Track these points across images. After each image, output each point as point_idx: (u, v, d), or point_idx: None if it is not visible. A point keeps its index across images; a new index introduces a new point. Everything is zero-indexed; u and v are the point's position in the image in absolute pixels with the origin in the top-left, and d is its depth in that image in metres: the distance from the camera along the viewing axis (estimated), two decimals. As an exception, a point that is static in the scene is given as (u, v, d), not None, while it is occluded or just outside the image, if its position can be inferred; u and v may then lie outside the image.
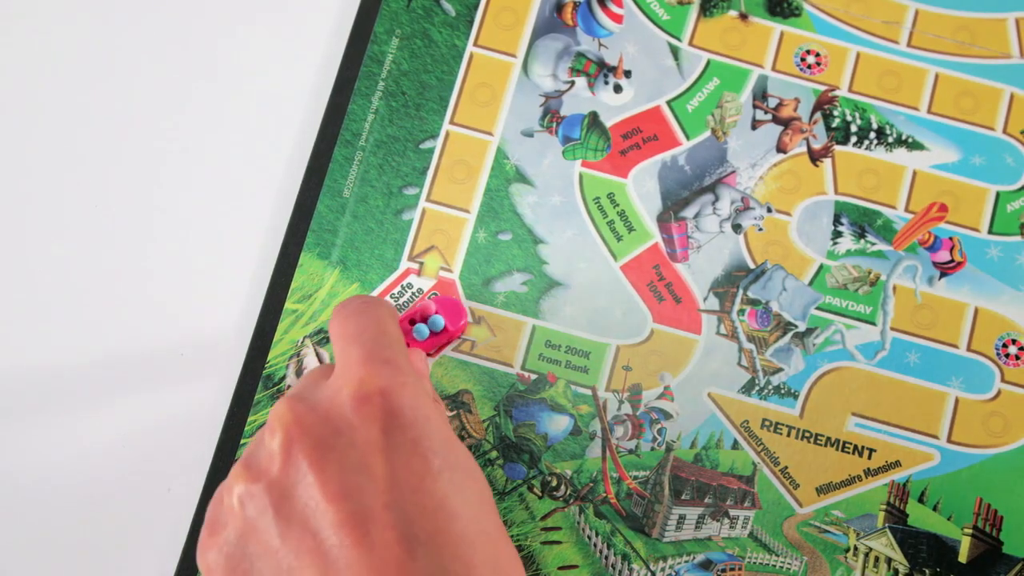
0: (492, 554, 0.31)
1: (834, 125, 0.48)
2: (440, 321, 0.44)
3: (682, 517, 0.45)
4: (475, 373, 0.46)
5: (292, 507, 0.31)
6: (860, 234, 0.47)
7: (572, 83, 0.48)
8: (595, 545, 0.45)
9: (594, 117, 0.48)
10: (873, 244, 0.47)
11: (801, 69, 0.48)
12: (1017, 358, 0.46)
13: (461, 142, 0.48)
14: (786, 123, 0.48)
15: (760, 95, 0.48)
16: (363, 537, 0.30)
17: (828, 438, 0.45)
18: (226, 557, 0.33)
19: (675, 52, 0.48)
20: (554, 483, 0.45)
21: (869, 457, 0.45)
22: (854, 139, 0.48)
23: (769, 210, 0.47)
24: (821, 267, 0.47)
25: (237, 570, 0.32)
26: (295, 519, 0.31)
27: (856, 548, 0.45)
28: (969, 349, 0.46)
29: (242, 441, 0.46)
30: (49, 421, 0.47)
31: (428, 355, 0.45)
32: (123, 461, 0.46)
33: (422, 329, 0.44)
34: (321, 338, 0.46)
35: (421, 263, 0.47)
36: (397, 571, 0.30)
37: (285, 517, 0.31)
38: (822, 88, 0.48)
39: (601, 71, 0.48)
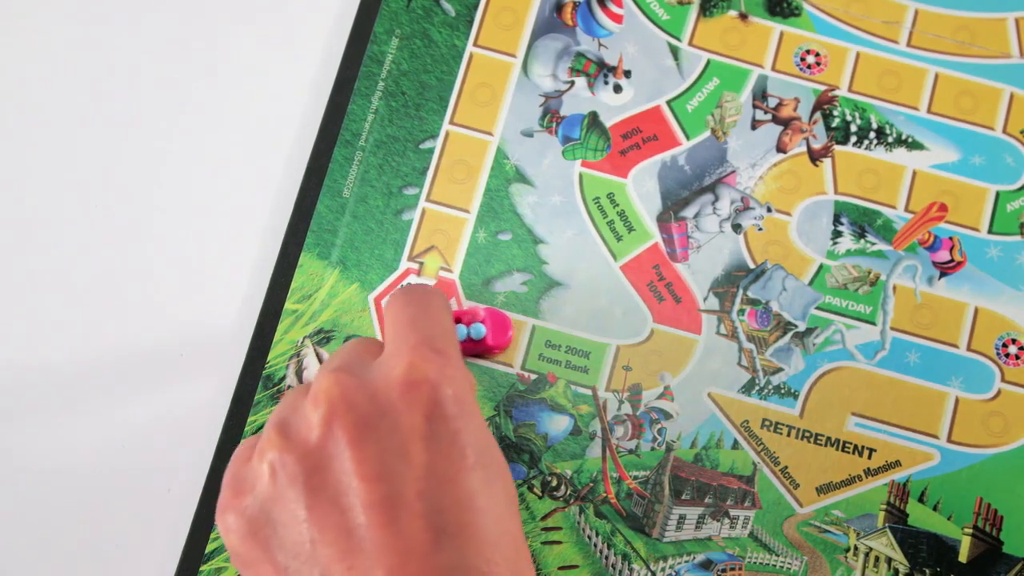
0: (513, 556, 0.31)
1: (834, 125, 0.48)
2: (482, 330, 0.44)
3: (682, 517, 0.45)
4: (475, 373, 0.46)
5: (324, 481, 0.31)
6: (860, 234, 0.47)
7: (572, 83, 0.48)
8: (595, 545, 0.45)
9: (594, 117, 0.48)
10: (873, 244, 0.47)
11: (801, 69, 0.48)
12: (1017, 358, 0.46)
13: (461, 142, 0.48)
14: (786, 123, 0.48)
15: (760, 95, 0.48)
16: (392, 521, 0.30)
17: (828, 438, 0.45)
18: (247, 520, 0.32)
19: (675, 52, 0.48)
20: (554, 483, 0.45)
21: (869, 457, 0.45)
22: (854, 139, 0.48)
23: (769, 210, 0.47)
24: (821, 267, 0.47)
25: (258, 535, 0.32)
26: (326, 493, 0.31)
27: (856, 548, 0.45)
28: (969, 349, 0.46)
29: (242, 442, 0.46)
30: (49, 421, 0.47)
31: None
32: (123, 461, 0.46)
33: (461, 329, 0.44)
34: (321, 338, 0.46)
35: (421, 263, 0.47)
36: (421, 559, 0.29)
37: (316, 489, 0.31)
38: (822, 88, 0.48)
39: (601, 71, 0.48)
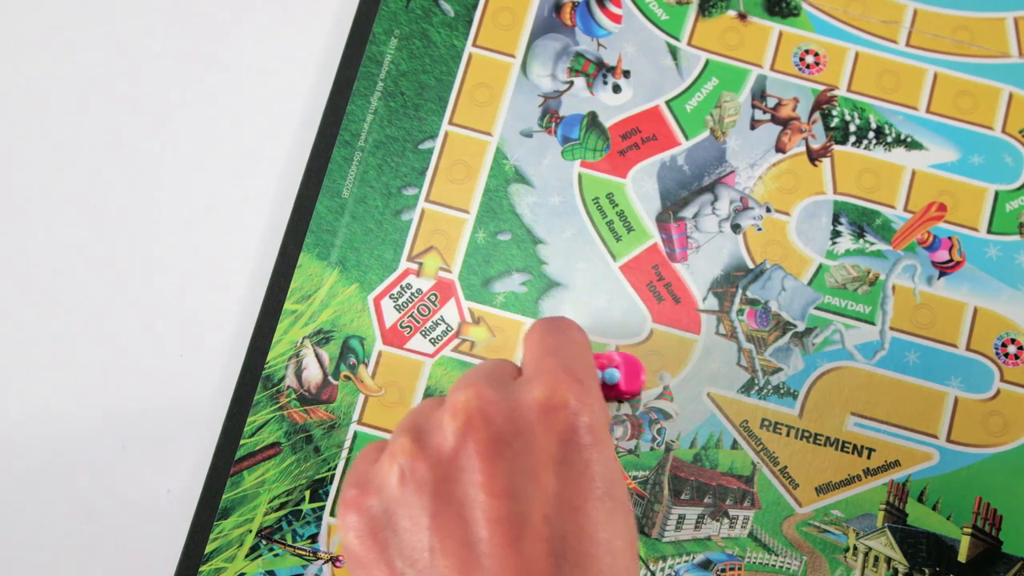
0: None
1: (833, 125, 0.48)
2: (615, 375, 0.44)
3: (682, 517, 0.45)
4: (474, 373, 0.46)
5: (452, 491, 0.31)
6: (859, 234, 0.47)
7: (571, 83, 0.48)
8: (595, 545, 0.45)
9: (593, 117, 0.48)
10: (872, 244, 0.47)
11: (800, 69, 0.48)
12: (1016, 357, 0.46)
13: (460, 142, 0.48)
14: (785, 123, 0.48)
15: (759, 95, 0.48)
16: (515, 541, 0.30)
17: (827, 438, 0.45)
18: (369, 520, 0.32)
19: (674, 52, 0.48)
20: (554, 483, 0.45)
21: (868, 457, 0.45)
22: (853, 139, 0.48)
23: (768, 210, 0.47)
24: (820, 267, 0.47)
25: (377, 536, 0.32)
26: (452, 504, 0.31)
27: (855, 548, 0.45)
28: (968, 348, 0.46)
29: (242, 442, 0.46)
30: (48, 421, 0.47)
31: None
32: (123, 462, 0.46)
33: (613, 374, 0.43)
34: (320, 339, 0.46)
35: (420, 263, 0.47)
36: None
37: (442, 499, 0.31)
38: (821, 88, 0.48)
39: (600, 71, 0.48)
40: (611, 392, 0.43)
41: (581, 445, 0.32)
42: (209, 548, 0.45)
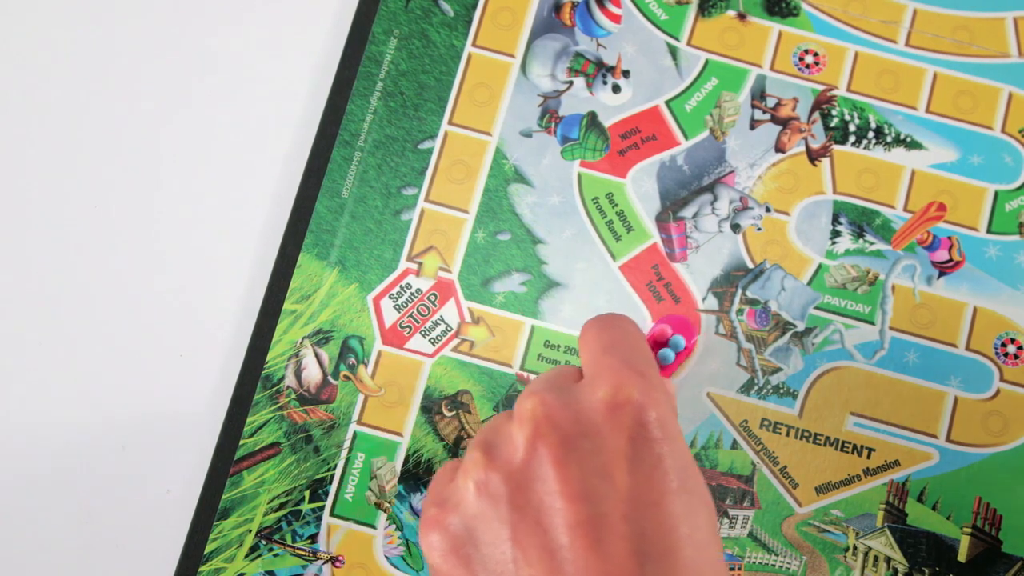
0: None
1: (832, 125, 0.48)
2: (681, 341, 0.44)
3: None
4: (474, 373, 0.46)
5: (527, 500, 0.31)
6: (859, 233, 0.47)
7: (570, 83, 0.48)
8: (594, 545, 0.45)
9: (592, 117, 0.48)
10: (872, 243, 0.47)
11: (799, 69, 0.48)
12: (1016, 357, 0.46)
13: (460, 142, 0.48)
14: (784, 123, 0.48)
15: (758, 95, 0.48)
16: (596, 543, 0.30)
17: (827, 437, 0.45)
18: (451, 538, 0.32)
19: (673, 52, 0.48)
20: (553, 483, 0.45)
21: (868, 456, 0.45)
22: (852, 139, 0.48)
23: (768, 210, 0.47)
24: (820, 267, 0.47)
25: (459, 553, 0.32)
26: (528, 513, 0.31)
27: (855, 547, 0.45)
28: (968, 348, 0.46)
29: (241, 442, 0.46)
30: (48, 421, 0.47)
31: (671, 377, 0.45)
32: (123, 462, 0.46)
33: (667, 354, 0.43)
34: (319, 339, 0.46)
35: (420, 263, 0.47)
36: None
37: (519, 509, 0.31)
38: (820, 88, 0.48)
39: (599, 71, 0.48)
40: (682, 357, 0.43)
41: (651, 440, 0.32)
42: (209, 548, 0.45)
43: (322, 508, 0.45)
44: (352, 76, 0.48)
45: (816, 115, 0.48)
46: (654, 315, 0.46)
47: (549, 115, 0.48)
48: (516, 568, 0.31)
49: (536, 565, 0.30)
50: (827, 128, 0.48)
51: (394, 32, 0.48)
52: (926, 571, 0.44)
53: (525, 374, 0.46)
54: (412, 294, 0.47)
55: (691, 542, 0.31)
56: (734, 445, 0.45)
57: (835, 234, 0.47)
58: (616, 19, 0.49)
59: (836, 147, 0.48)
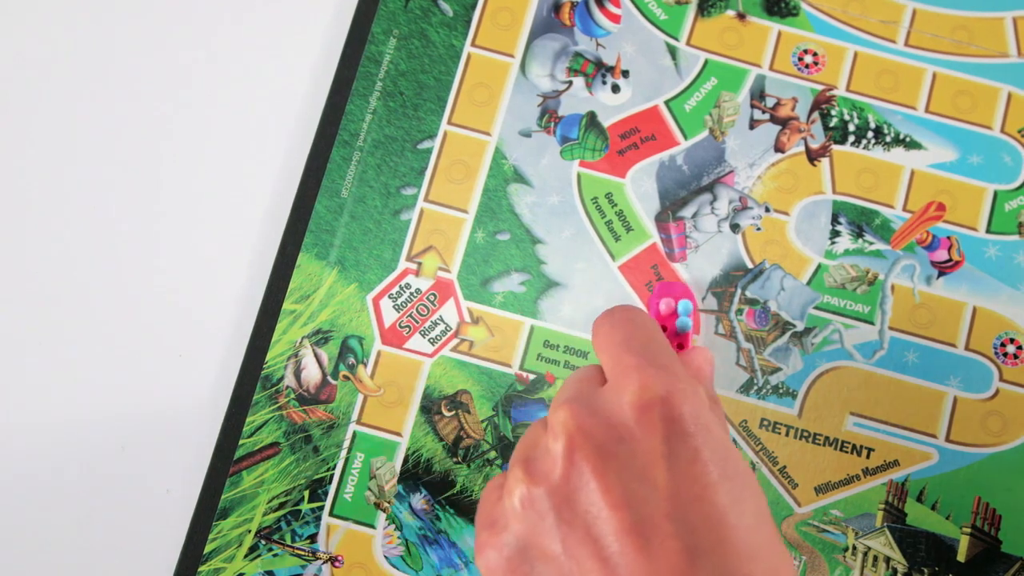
0: (772, 564, 0.31)
1: (832, 124, 0.48)
2: (688, 304, 0.43)
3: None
4: (473, 373, 0.46)
5: (574, 512, 0.31)
6: (858, 233, 0.47)
7: (570, 83, 0.48)
8: (594, 545, 0.45)
9: (592, 117, 0.48)
10: (871, 243, 0.47)
11: (799, 69, 0.48)
12: (1015, 357, 0.46)
13: (459, 142, 0.48)
14: (784, 123, 0.48)
15: (758, 95, 0.48)
16: (644, 545, 0.30)
17: (826, 437, 0.45)
18: (506, 559, 0.33)
19: (673, 52, 0.48)
20: (553, 483, 0.45)
21: (867, 456, 0.45)
22: (852, 138, 0.48)
23: (767, 210, 0.47)
24: (819, 266, 0.47)
25: (517, 572, 0.33)
26: (576, 524, 0.31)
27: (855, 547, 0.45)
28: (967, 348, 0.46)
29: (241, 442, 0.46)
30: (48, 421, 0.47)
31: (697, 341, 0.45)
32: (122, 462, 0.46)
33: (685, 323, 0.43)
34: (319, 338, 0.46)
35: (419, 263, 0.47)
36: None
37: (567, 522, 0.31)
38: (820, 87, 0.48)
39: (599, 71, 0.48)
40: (697, 317, 0.43)
41: (686, 435, 0.32)
42: (208, 548, 0.45)
43: (321, 508, 0.45)
44: (351, 76, 0.48)
45: (815, 115, 0.48)
46: (654, 315, 0.46)
47: (548, 115, 0.48)
48: None
49: (593, 574, 0.30)
50: (826, 128, 0.48)
51: (393, 32, 0.48)
52: (925, 571, 0.44)
53: (524, 374, 0.46)
54: (411, 294, 0.47)
55: (741, 528, 0.31)
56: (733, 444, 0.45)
57: (834, 234, 0.47)
58: (615, 19, 0.49)
59: (835, 147, 0.48)
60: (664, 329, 0.42)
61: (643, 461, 0.31)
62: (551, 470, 0.32)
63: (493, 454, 0.45)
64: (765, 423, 0.45)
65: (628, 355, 0.34)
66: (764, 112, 0.48)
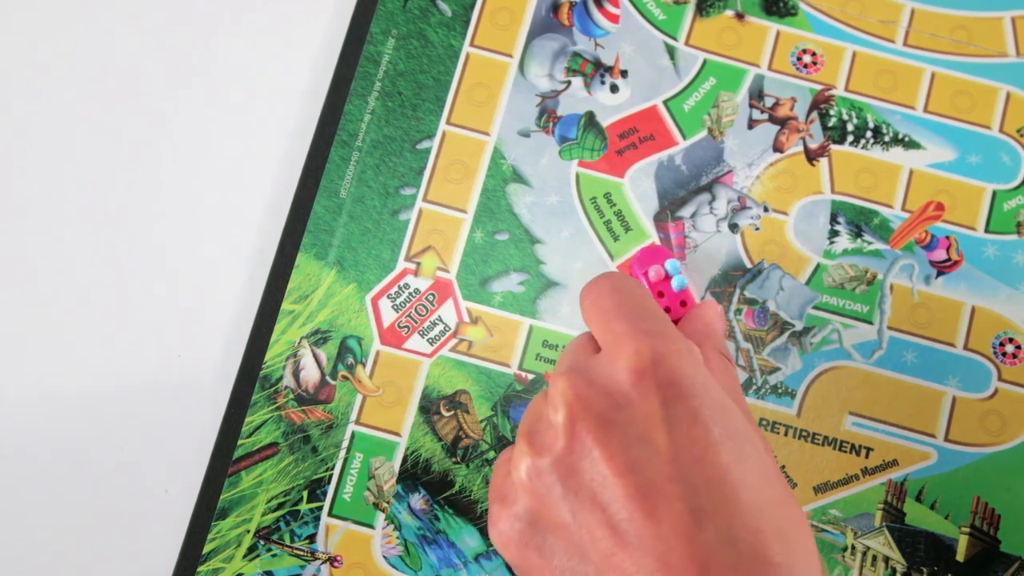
0: (780, 521, 0.31)
1: (830, 124, 0.48)
2: (676, 263, 0.43)
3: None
4: (472, 373, 0.46)
5: (579, 481, 0.32)
6: (857, 233, 0.47)
7: (568, 83, 0.48)
8: (593, 545, 0.45)
9: (590, 117, 0.48)
10: (870, 243, 0.47)
11: (797, 68, 0.48)
12: (1014, 357, 0.46)
13: (458, 142, 0.48)
14: (782, 122, 0.48)
15: (756, 94, 0.48)
16: (651, 510, 0.30)
17: (825, 437, 0.45)
18: (519, 532, 0.33)
19: (671, 52, 0.48)
20: (552, 483, 0.45)
21: (866, 456, 0.45)
22: (850, 138, 0.48)
23: (766, 209, 0.47)
24: (818, 266, 0.47)
25: (530, 544, 0.33)
26: (583, 493, 0.31)
27: (854, 547, 0.45)
28: (966, 348, 0.46)
29: (239, 442, 0.46)
30: (46, 421, 0.47)
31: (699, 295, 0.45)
32: (121, 462, 0.46)
33: (681, 280, 0.43)
34: (318, 339, 0.46)
35: (418, 263, 0.47)
36: (687, 543, 0.30)
37: (573, 491, 0.32)
38: (818, 87, 0.48)
39: (597, 71, 0.48)
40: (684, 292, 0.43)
41: (683, 396, 0.32)
42: (207, 548, 0.45)
43: (320, 508, 0.45)
44: (350, 76, 0.48)
45: (814, 115, 0.48)
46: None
47: (547, 115, 0.48)
48: (584, 549, 0.31)
49: (602, 542, 0.31)
50: (825, 128, 0.48)
51: (392, 32, 0.48)
52: (924, 571, 0.44)
53: (523, 374, 0.46)
54: (410, 294, 0.47)
55: (745, 485, 0.31)
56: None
57: (833, 234, 0.47)
58: (614, 19, 0.49)
59: (834, 147, 0.48)
60: (661, 295, 0.42)
61: (643, 426, 0.32)
62: (554, 441, 0.33)
63: (492, 454, 0.45)
64: (764, 423, 0.45)
65: (618, 322, 0.34)
66: (763, 112, 0.48)
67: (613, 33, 0.48)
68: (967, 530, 0.44)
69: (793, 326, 0.46)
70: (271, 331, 0.46)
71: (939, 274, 0.46)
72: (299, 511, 0.45)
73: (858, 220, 0.47)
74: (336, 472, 0.46)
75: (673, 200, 0.47)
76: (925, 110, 0.48)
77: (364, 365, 0.46)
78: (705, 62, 0.48)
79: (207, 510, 0.45)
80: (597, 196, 0.47)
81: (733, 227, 0.47)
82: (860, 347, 0.46)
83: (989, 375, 0.46)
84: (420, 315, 0.47)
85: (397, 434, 0.46)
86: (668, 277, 0.43)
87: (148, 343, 0.47)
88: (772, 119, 0.48)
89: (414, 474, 0.46)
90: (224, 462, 0.45)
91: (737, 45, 0.48)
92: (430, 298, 0.47)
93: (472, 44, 0.48)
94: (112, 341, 0.47)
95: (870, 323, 0.46)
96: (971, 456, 0.45)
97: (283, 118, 0.49)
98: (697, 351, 0.34)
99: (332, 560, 0.45)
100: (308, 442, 0.46)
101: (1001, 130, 0.47)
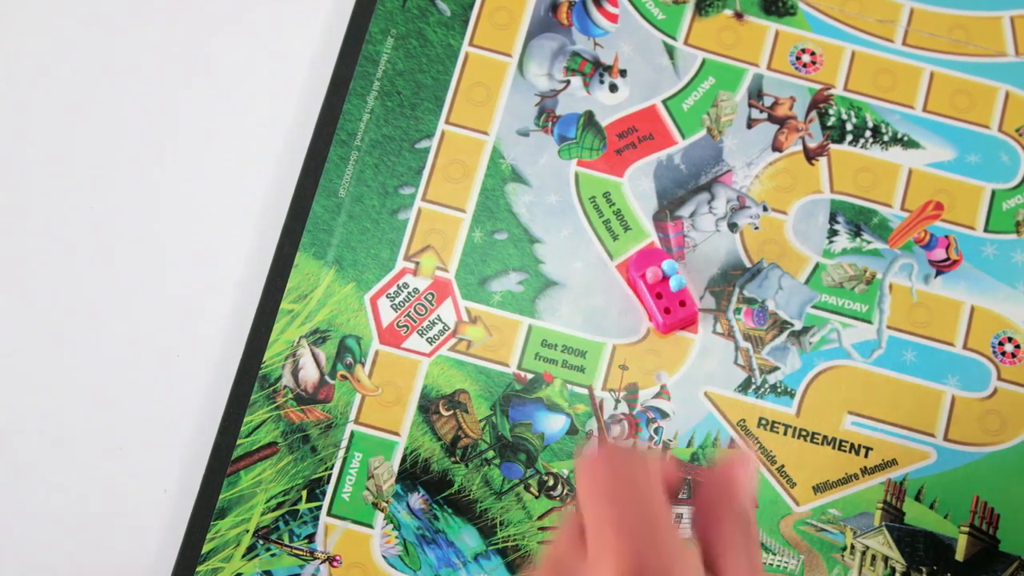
0: None
1: (829, 124, 0.48)
2: (672, 263, 0.43)
3: (679, 516, 0.45)
4: (471, 373, 0.46)
5: None
6: (856, 232, 0.47)
7: (567, 82, 0.48)
8: (592, 544, 0.45)
9: (589, 116, 0.48)
10: (869, 242, 0.47)
11: (796, 68, 0.48)
12: (1013, 356, 0.46)
13: (457, 142, 0.48)
14: (782, 122, 0.48)
15: (755, 94, 0.48)
16: None
17: (824, 436, 0.45)
18: None
19: (670, 51, 0.48)
20: (551, 483, 0.45)
21: (866, 455, 0.45)
22: (849, 138, 0.48)
23: (765, 209, 0.47)
24: (817, 265, 0.47)
25: None
26: None
27: (853, 547, 0.45)
28: (965, 347, 0.46)
29: (238, 441, 0.46)
30: (45, 421, 0.47)
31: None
32: (120, 462, 0.46)
33: (679, 280, 0.43)
34: (317, 338, 0.46)
35: (417, 263, 0.47)
36: None
37: None
38: (817, 87, 0.48)
39: (596, 70, 0.48)
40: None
41: None
42: (206, 548, 0.45)
43: (319, 508, 0.45)
44: (349, 75, 0.48)
45: (813, 114, 0.48)
46: (650, 314, 0.46)
47: (546, 114, 0.48)
48: None
49: None
50: (824, 127, 0.48)
51: (391, 31, 0.48)
52: (924, 570, 0.44)
53: (522, 373, 0.46)
54: (409, 293, 0.47)
55: None
56: (731, 444, 0.45)
57: (832, 233, 0.47)
58: (613, 18, 0.49)
59: (833, 146, 0.48)
60: (659, 296, 0.42)
61: None
62: None
63: (491, 453, 0.45)
64: (763, 422, 0.45)
65: (608, 527, 0.32)
66: (762, 111, 0.48)
67: (612, 33, 0.48)
68: (966, 529, 0.44)
69: (792, 325, 0.46)
70: (270, 330, 0.46)
71: (938, 273, 0.46)
72: (298, 511, 0.45)
73: (857, 219, 0.47)
74: (335, 472, 0.45)
75: (672, 199, 0.47)
76: (924, 109, 0.48)
77: (363, 364, 0.46)
78: (704, 61, 0.48)
79: (206, 510, 0.45)
80: (596, 195, 0.47)
81: (732, 226, 0.47)
82: (859, 346, 0.46)
83: (988, 374, 0.46)
84: (419, 314, 0.47)
85: (396, 434, 0.46)
86: (666, 278, 0.43)
87: (147, 342, 0.47)
88: (771, 118, 0.48)
89: (413, 473, 0.45)
90: (223, 461, 0.45)
91: (736, 44, 0.48)
92: (429, 297, 0.47)
93: (471, 44, 0.48)
94: (111, 341, 0.47)
95: (869, 322, 0.46)
96: (970, 455, 0.45)
97: (282, 118, 0.49)
98: (692, 556, 0.33)
99: (331, 560, 0.45)
100: (307, 442, 0.46)
101: (1000, 129, 0.47)
